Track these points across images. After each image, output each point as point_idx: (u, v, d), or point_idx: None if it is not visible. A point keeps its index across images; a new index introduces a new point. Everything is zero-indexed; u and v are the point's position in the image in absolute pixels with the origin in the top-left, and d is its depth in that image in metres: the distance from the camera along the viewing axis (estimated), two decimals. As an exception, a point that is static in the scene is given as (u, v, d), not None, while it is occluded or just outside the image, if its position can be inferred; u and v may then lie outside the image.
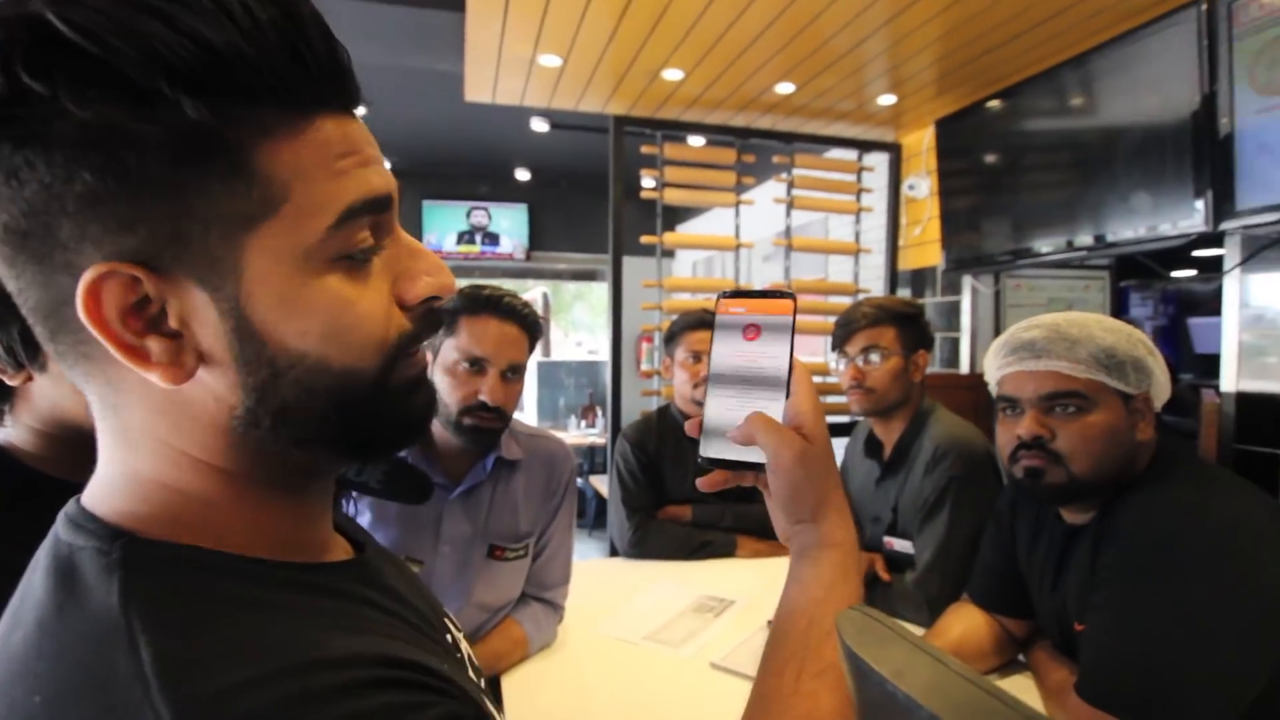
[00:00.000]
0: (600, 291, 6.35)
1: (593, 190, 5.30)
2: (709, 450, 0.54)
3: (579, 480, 4.72)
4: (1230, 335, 1.79)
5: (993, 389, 1.03)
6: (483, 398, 1.09)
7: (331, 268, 0.35)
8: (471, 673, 0.51)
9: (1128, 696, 0.81)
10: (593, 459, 5.03)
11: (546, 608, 1.26)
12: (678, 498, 1.82)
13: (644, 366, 5.33)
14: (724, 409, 0.54)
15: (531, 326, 1.16)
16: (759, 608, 1.39)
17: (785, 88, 2.36)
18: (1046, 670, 1.01)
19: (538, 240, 5.05)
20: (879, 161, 2.93)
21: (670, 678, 1.13)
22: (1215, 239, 1.83)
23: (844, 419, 2.86)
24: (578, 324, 7.64)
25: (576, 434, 4.98)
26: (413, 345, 0.40)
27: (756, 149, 2.68)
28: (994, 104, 2.46)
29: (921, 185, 2.83)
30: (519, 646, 1.18)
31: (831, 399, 2.88)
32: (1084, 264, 2.91)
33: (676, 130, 2.61)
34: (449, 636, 0.51)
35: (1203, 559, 0.80)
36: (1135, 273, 3.07)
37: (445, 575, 1.16)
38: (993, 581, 1.17)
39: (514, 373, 1.13)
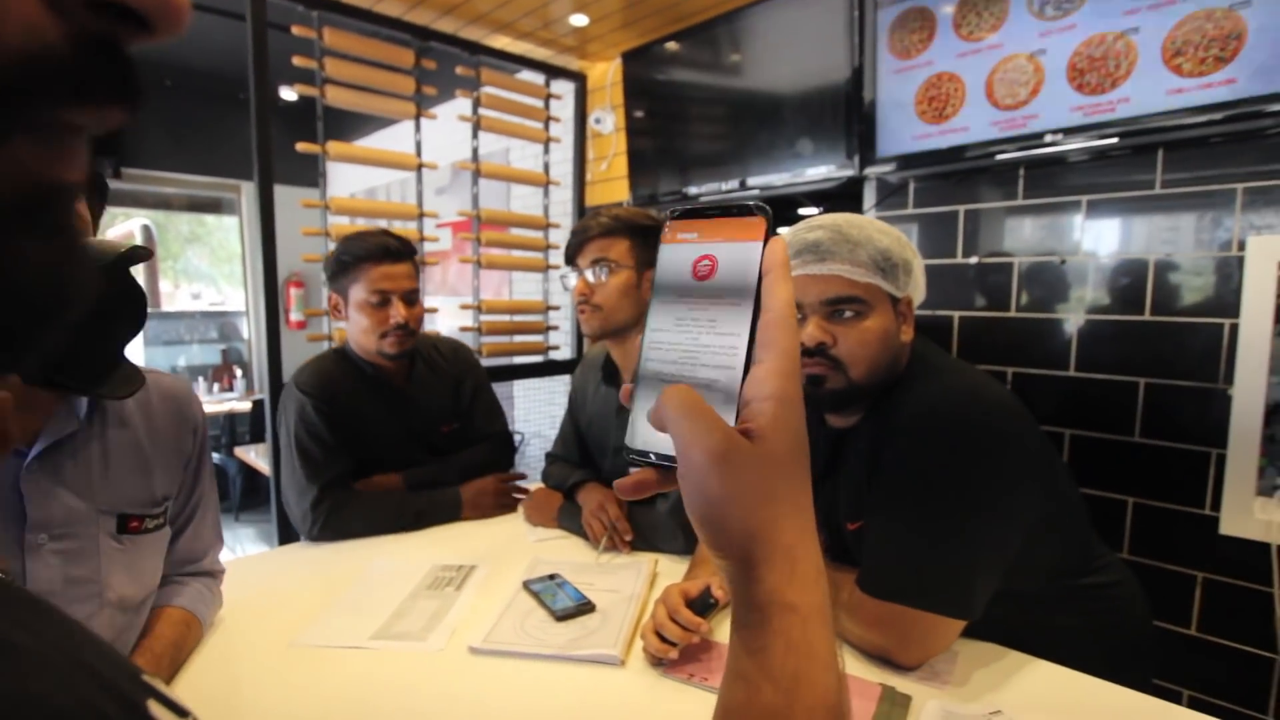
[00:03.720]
0: (224, 231, 5.20)
1: (212, 94, 4.23)
2: (635, 437, 0.37)
3: (216, 456, 3.85)
4: (868, 266, 2.11)
5: None
6: None
7: None
8: None
9: (914, 584, 0.84)
10: (234, 429, 4.14)
11: (206, 579, 1.01)
12: (386, 464, 1.47)
13: (295, 316, 4.54)
14: (658, 382, 0.36)
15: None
16: (506, 567, 1.20)
17: (473, -17, 2.07)
18: (810, 574, 1.03)
19: (132, 155, 3.85)
20: (566, 91, 2.83)
21: (424, 680, 0.88)
22: (857, 184, 2.13)
23: (536, 358, 2.76)
24: (193, 273, 6.22)
25: (210, 400, 4.04)
26: (55, 98, 0.18)
27: (438, 55, 2.34)
28: (672, 45, 2.52)
29: (607, 120, 2.81)
30: (190, 628, 0.94)
31: (512, 339, 2.75)
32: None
33: (339, 15, 2.12)
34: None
35: (977, 443, 0.86)
36: (780, 221, 3.54)
37: (51, 579, 0.76)
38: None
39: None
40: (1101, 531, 1.15)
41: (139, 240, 4.17)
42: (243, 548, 3.72)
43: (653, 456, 0.36)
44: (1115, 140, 1.54)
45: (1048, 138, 1.65)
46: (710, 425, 0.32)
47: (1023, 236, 1.82)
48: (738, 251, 0.36)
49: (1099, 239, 1.68)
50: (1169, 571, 1.58)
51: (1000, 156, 1.73)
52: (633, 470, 0.37)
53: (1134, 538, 1.64)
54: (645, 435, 0.36)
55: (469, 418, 1.63)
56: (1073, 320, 1.73)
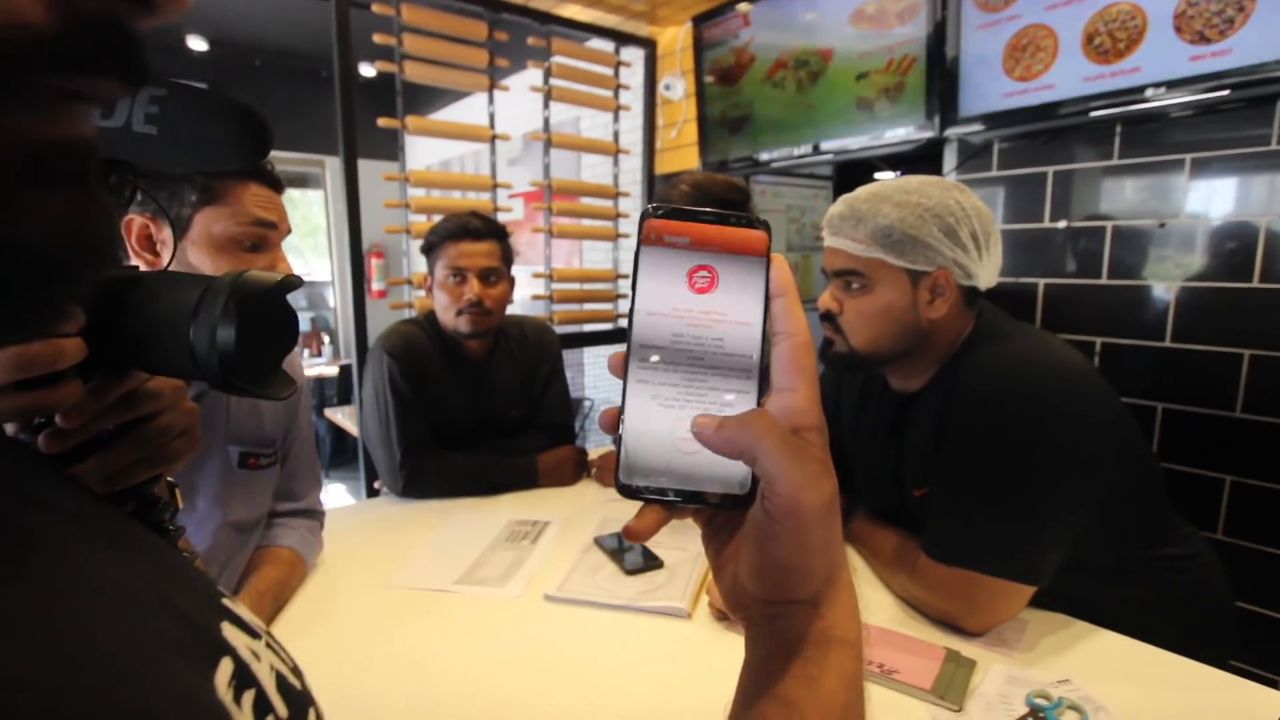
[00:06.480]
0: (310, 204, 5.45)
1: (297, 72, 4.41)
2: (634, 474, 0.32)
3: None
4: (946, 231, 2.04)
5: None
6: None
7: None
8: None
9: (980, 549, 0.83)
10: (322, 392, 4.39)
11: (308, 520, 1.13)
12: (451, 439, 1.50)
13: (376, 285, 4.75)
14: (656, 406, 0.32)
15: None
16: (577, 523, 1.25)
17: (545, -48, 2.08)
18: (876, 540, 1.03)
19: (225, 133, 4.07)
20: (636, 58, 2.81)
21: (503, 622, 0.94)
22: (936, 146, 2.04)
23: (605, 326, 2.80)
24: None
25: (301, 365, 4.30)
26: (39, 72, 0.19)
27: (510, 26, 2.37)
28: (744, 5, 2.46)
29: (677, 86, 2.78)
30: (295, 567, 1.04)
31: (582, 307, 2.79)
32: (812, 174, 3.17)
33: (415, -10, 2.17)
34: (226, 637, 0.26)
35: (1043, 408, 0.84)
36: (845, 185, 3.44)
37: (191, 504, 0.94)
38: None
39: None
40: (1193, 510, 1.10)
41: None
42: (332, 501, 3.98)
43: (686, 491, 0.32)
44: (1227, 93, 1.43)
45: (1149, 92, 1.54)
46: (819, 469, 0.30)
47: (1117, 199, 1.71)
48: (740, 266, 0.32)
49: (1204, 200, 1.57)
50: (1270, 555, 1.50)
51: (1095, 114, 1.63)
52: (642, 511, 0.33)
53: (1230, 518, 1.56)
54: (652, 470, 0.32)
55: (538, 405, 1.66)
56: (1170, 288, 1.63)
